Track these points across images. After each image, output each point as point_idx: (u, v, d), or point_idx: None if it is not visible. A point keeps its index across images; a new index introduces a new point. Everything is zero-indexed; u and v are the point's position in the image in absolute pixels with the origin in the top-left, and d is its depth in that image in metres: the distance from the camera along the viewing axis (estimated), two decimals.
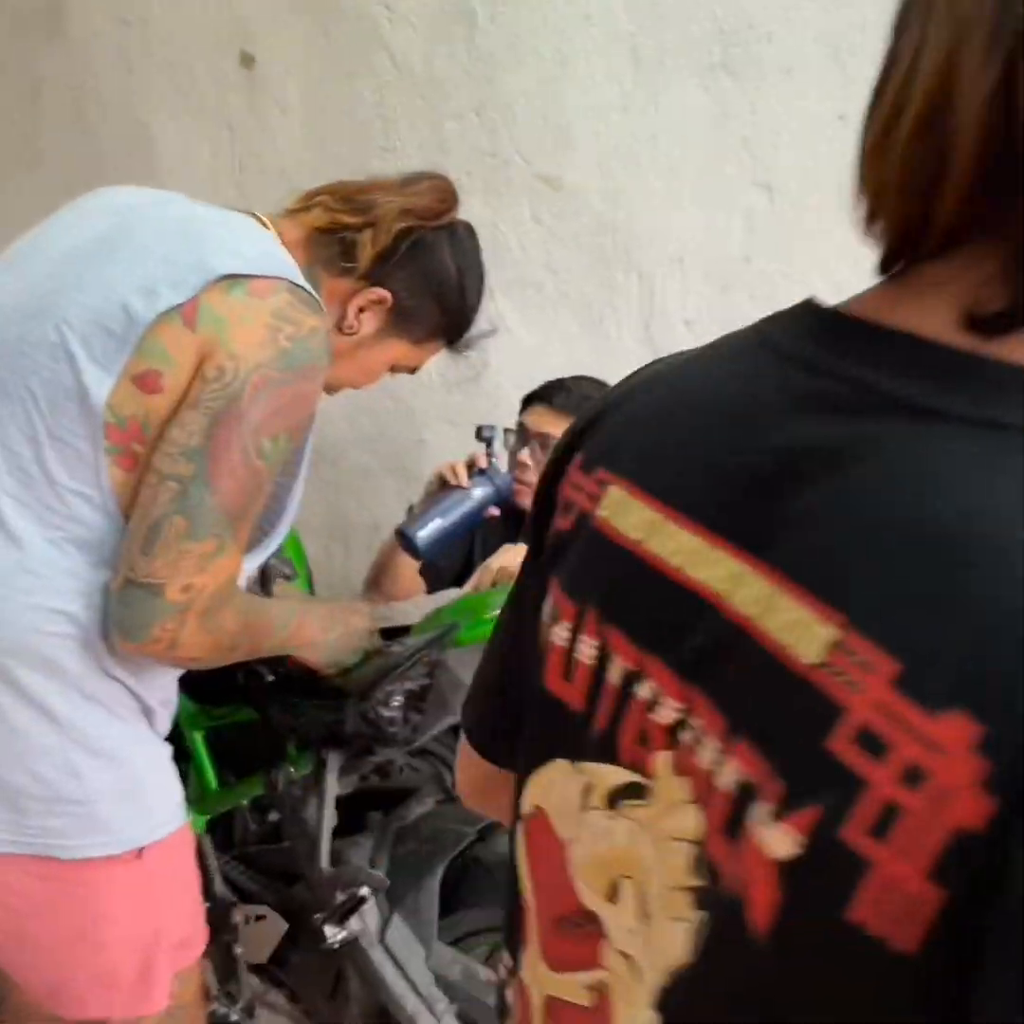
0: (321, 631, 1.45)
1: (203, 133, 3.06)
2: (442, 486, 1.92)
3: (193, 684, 1.74)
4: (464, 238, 1.44)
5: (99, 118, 3.25)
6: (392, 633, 1.67)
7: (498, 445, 1.89)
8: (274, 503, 1.24)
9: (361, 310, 1.35)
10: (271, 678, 1.66)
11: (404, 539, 1.74)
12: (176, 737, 1.75)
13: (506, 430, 2.16)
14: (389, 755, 1.53)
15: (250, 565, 1.26)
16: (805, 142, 2.19)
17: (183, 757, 1.78)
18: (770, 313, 0.66)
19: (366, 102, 2.76)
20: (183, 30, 3.00)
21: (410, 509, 2.09)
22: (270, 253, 1.22)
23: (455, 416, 2.87)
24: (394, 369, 1.47)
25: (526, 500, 2.11)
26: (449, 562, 2.21)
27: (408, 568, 2.12)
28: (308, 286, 1.22)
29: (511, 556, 1.65)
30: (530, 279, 2.64)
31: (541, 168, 2.55)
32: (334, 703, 1.48)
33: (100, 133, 3.26)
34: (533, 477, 2.09)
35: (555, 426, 2.09)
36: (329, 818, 1.55)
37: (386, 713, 1.43)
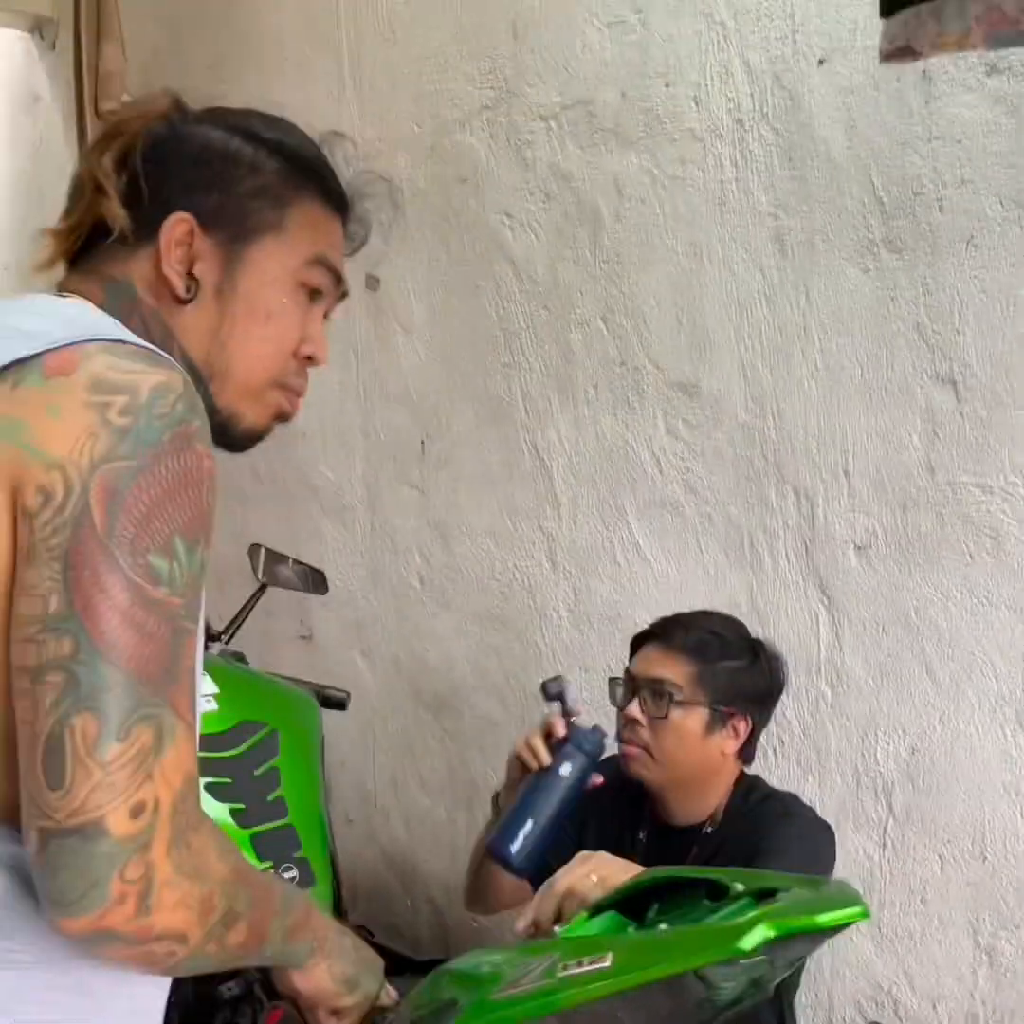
0: (338, 931, 1.00)
1: (331, 358, 2.91)
2: (523, 772, 1.53)
3: None
4: (189, 111, 0.99)
5: None
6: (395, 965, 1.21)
7: (572, 699, 1.50)
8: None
9: (190, 263, 0.92)
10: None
11: (496, 858, 1.47)
12: None
13: (612, 681, 1.72)
14: None
15: None
16: (995, 323, 1.75)
17: None
18: None
19: (489, 316, 2.53)
20: None
21: (494, 801, 1.67)
22: (70, 318, 0.85)
23: (588, 659, 2.44)
24: (310, 288, 0.97)
25: (639, 767, 1.63)
26: (559, 858, 1.71)
27: (509, 879, 1.65)
28: (131, 336, 0.83)
29: (584, 869, 1.17)
30: (667, 500, 2.24)
31: (676, 375, 2.20)
32: None
33: None
34: (645, 735, 1.61)
35: (671, 670, 1.64)
36: None
37: None
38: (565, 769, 1.47)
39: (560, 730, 1.47)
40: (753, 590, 2.13)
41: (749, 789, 1.69)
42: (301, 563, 1.87)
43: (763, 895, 0.86)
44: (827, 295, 1.97)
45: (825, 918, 0.78)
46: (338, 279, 1.01)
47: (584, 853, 1.19)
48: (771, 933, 0.77)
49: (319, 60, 2.84)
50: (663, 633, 1.68)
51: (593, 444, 2.37)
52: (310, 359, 1.01)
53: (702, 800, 1.66)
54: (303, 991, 0.99)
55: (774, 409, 2.06)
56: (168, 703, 0.75)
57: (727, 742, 1.66)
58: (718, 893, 0.93)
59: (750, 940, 0.76)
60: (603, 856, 1.17)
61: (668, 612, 2.29)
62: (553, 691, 1.51)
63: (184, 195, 0.93)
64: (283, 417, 1.02)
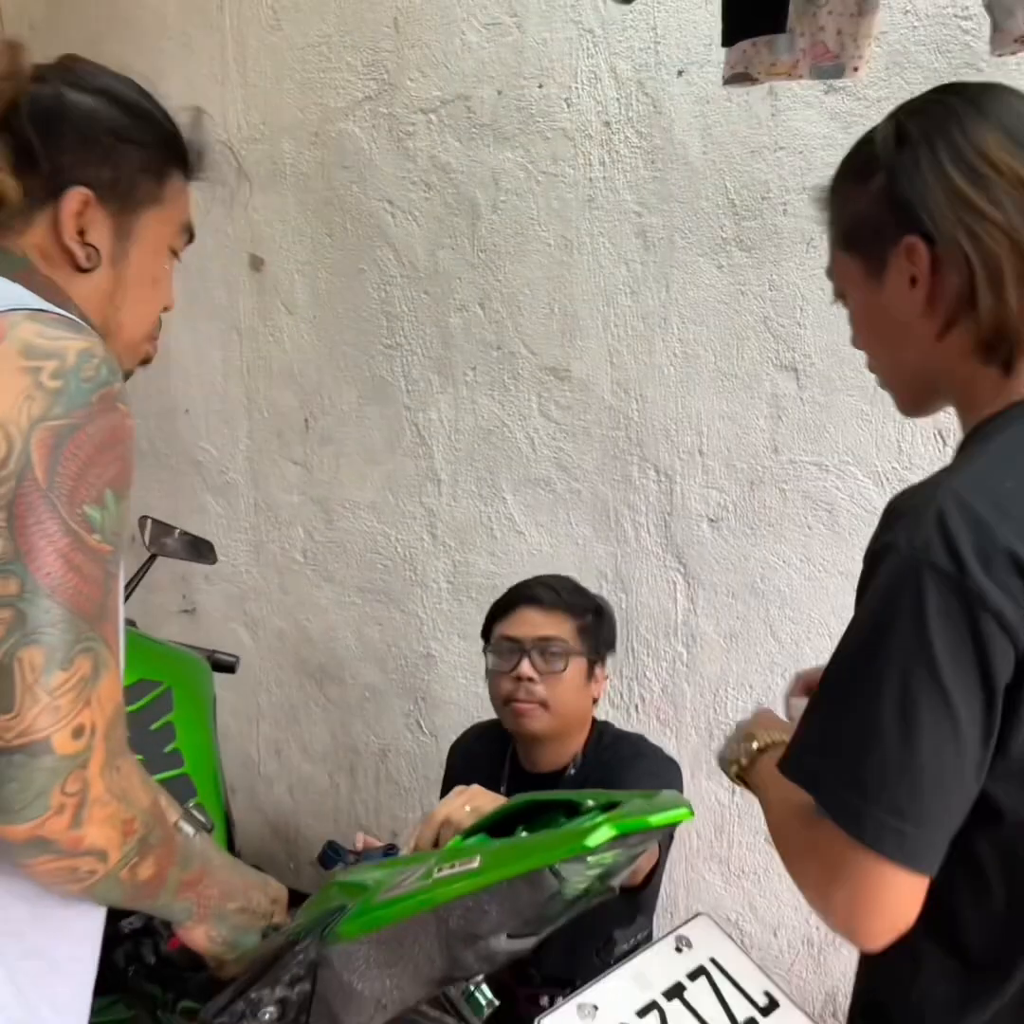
0: (221, 896, 1.11)
1: (214, 337, 2.97)
2: None
3: None
4: (67, 69, 1.05)
5: None
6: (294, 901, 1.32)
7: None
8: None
9: (80, 233, 1.00)
10: (153, 960, 1.31)
11: None
12: None
13: (492, 646, 1.84)
14: None
15: None
16: (831, 318, 1.94)
17: None
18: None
19: (371, 299, 2.63)
20: (199, 236, 2.96)
21: None
22: None
23: (466, 628, 2.57)
24: (174, 252, 1.10)
25: (531, 722, 1.77)
26: None
27: None
28: (48, 305, 0.93)
29: (460, 800, 1.30)
30: (539, 477, 2.39)
31: (548, 359, 2.35)
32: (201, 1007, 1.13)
33: None
34: (540, 690, 1.75)
35: (557, 627, 1.78)
36: None
37: None
38: None
39: None
40: (617, 560, 2.30)
41: (601, 733, 1.84)
42: (188, 534, 1.94)
43: (609, 807, 1.01)
44: (685, 288, 2.14)
45: (657, 818, 0.93)
46: (191, 238, 1.12)
47: (459, 787, 1.32)
48: (613, 832, 0.91)
49: (202, 41, 2.87)
50: (537, 597, 1.81)
51: (471, 424, 2.50)
52: (165, 308, 1.11)
53: (570, 745, 1.81)
54: (185, 943, 1.10)
55: (637, 393, 2.22)
56: (101, 638, 0.85)
57: (596, 688, 1.82)
58: (573, 812, 1.07)
59: (595, 838, 0.90)
60: (476, 789, 1.30)
61: None
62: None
63: (79, 168, 0.99)
64: (148, 361, 1.14)
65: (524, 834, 1.04)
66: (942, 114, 0.93)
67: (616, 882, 1.08)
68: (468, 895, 0.94)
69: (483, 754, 1.86)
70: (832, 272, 1.02)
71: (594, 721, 1.85)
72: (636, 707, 2.32)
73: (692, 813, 0.96)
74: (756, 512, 2.11)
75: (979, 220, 0.87)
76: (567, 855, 0.92)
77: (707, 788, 2.25)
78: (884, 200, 0.92)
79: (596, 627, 1.83)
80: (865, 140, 0.99)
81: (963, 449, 0.93)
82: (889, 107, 1.90)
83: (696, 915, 1.11)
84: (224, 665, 1.83)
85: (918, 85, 1.83)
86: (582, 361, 2.29)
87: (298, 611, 2.91)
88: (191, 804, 1.42)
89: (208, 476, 3.06)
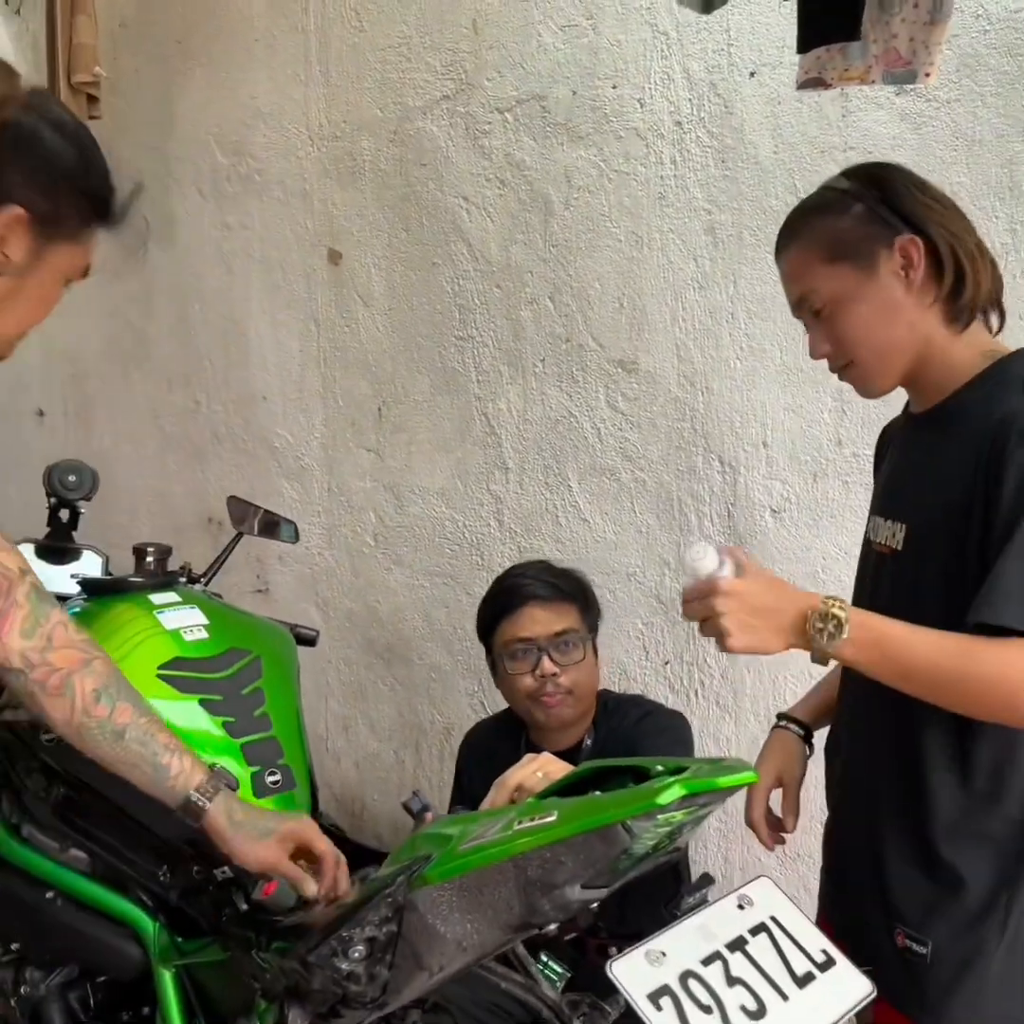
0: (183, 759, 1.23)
1: (292, 327, 3.08)
2: None
3: (168, 909, 1.51)
4: (50, 106, 1.21)
5: (200, 318, 3.33)
6: (363, 859, 1.42)
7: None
8: None
9: (2, 240, 1.14)
10: (245, 907, 1.41)
11: None
12: (144, 979, 1.51)
13: (504, 653, 1.88)
14: (359, 1019, 1.24)
15: None
16: None
17: (149, 999, 1.53)
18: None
19: (445, 292, 2.72)
20: (277, 230, 3.07)
21: None
22: None
23: None
24: (68, 281, 1.25)
25: (563, 710, 1.85)
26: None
27: None
28: None
29: (533, 767, 1.38)
30: (605, 466, 2.46)
31: (616, 352, 2.41)
32: (296, 949, 1.22)
33: (200, 331, 3.34)
34: (565, 681, 1.82)
35: (566, 619, 1.87)
36: None
37: (345, 966, 1.16)
38: None
39: None
40: (681, 549, 2.36)
41: (605, 702, 1.92)
42: (271, 512, 2.04)
43: (678, 772, 1.09)
44: (752, 284, 2.19)
45: (724, 780, 1.00)
46: (86, 275, 1.29)
47: (530, 754, 1.40)
48: (683, 791, 0.98)
49: (286, 40, 2.98)
50: (538, 593, 1.86)
51: (540, 414, 2.58)
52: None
53: (586, 720, 1.88)
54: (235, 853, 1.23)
55: (703, 386, 2.28)
56: None
57: (598, 662, 1.90)
58: (642, 778, 1.15)
59: (666, 796, 0.98)
60: (547, 756, 1.38)
61: (605, 569, 2.52)
62: (416, 808, 1.39)
63: (25, 191, 1.13)
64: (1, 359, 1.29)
65: (597, 794, 1.12)
66: (888, 165, 1.34)
67: (683, 841, 1.15)
68: (546, 846, 1.02)
69: (498, 749, 1.92)
70: (810, 294, 1.31)
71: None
72: (696, 692, 2.38)
73: (758, 775, 1.03)
74: (818, 503, 2.16)
75: (947, 219, 1.25)
76: (639, 812, 0.99)
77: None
78: (866, 218, 1.26)
79: (589, 604, 1.91)
80: (823, 189, 1.36)
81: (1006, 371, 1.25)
82: (960, 109, 1.95)
83: (758, 877, 1.18)
84: (305, 638, 1.93)
85: (988, 87, 1.87)
86: (649, 354, 2.36)
87: (368, 593, 3.01)
88: (279, 763, 1.53)
89: (283, 461, 3.18)
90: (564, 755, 1.87)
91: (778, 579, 1.21)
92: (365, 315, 2.90)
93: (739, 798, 2.34)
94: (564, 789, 1.23)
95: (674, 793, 0.98)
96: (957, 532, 1.23)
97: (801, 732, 1.57)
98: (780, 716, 1.61)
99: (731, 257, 2.21)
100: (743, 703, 2.32)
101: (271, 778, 1.48)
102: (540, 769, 1.36)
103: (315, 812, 1.56)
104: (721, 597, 1.14)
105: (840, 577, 2.16)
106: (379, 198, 2.81)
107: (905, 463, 1.41)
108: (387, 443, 2.90)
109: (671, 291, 2.31)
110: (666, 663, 2.42)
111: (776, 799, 1.54)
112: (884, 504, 1.43)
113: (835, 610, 1.13)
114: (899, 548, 1.34)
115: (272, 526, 2.00)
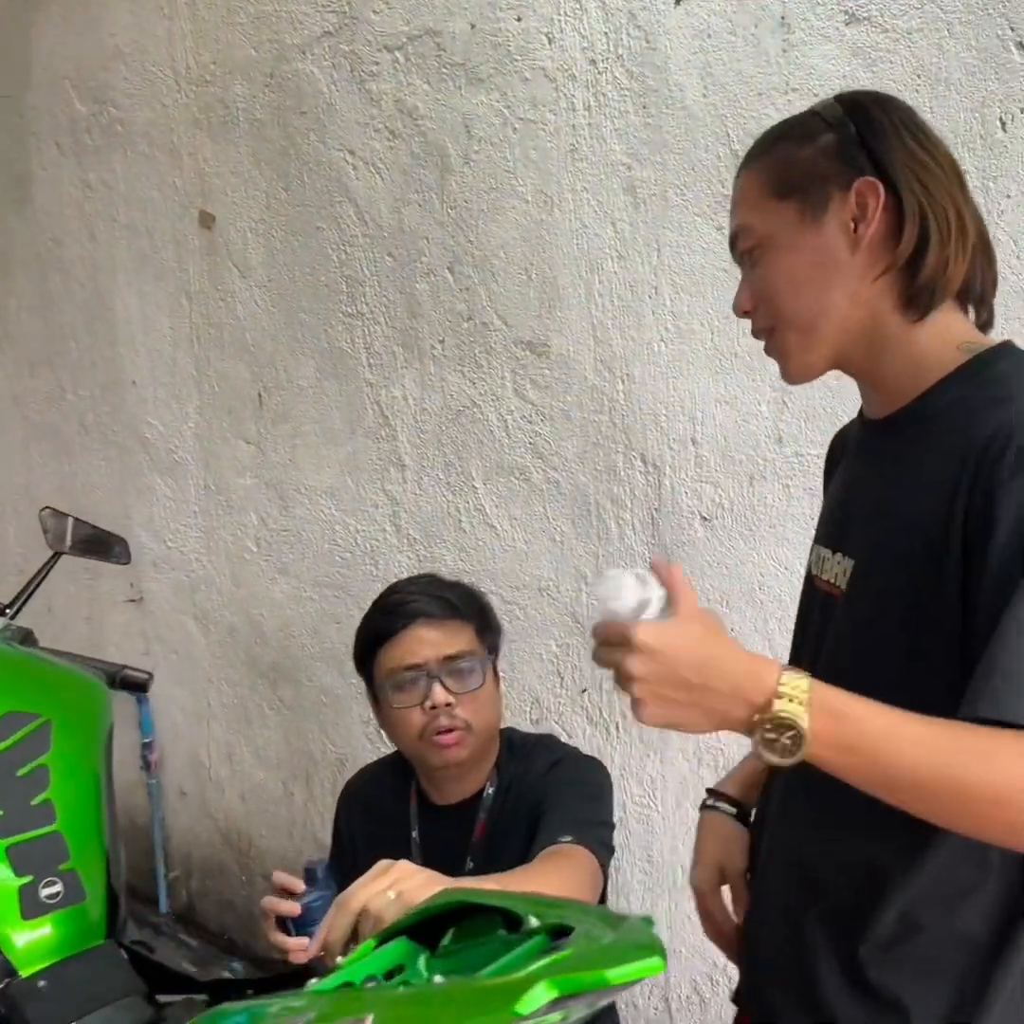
0: None
1: (162, 302, 2.70)
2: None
3: None
4: None
5: (61, 291, 2.93)
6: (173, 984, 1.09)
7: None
8: None
9: None
10: None
11: None
12: None
13: (390, 683, 1.52)
14: None
15: None
16: None
17: None
18: None
19: (330, 261, 2.36)
20: (143, 189, 2.69)
21: None
22: None
23: None
24: None
25: (459, 751, 1.50)
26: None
27: None
28: None
29: (382, 883, 1.04)
30: (513, 465, 2.13)
31: (524, 332, 2.08)
32: None
33: (62, 307, 2.94)
34: (462, 713, 1.47)
35: (460, 639, 1.50)
36: None
37: None
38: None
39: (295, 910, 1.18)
40: (599, 560, 2.04)
41: (510, 741, 1.59)
42: (89, 525, 1.67)
43: (557, 935, 0.76)
44: (679, 252, 1.87)
45: (615, 973, 0.68)
46: None
47: (384, 862, 1.06)
48: (553, 993, 0.66)
49: None
50: (425, 611, 1.51)
51: (439, 403, 2.24)
52: None
53: (486, 764, 1.55)
54: None
55: (623, 372, 1.96)
56: None
57: (501, 691, 1.57)
58: (514, 923, 0.83)
59: (528, 1003, 0.65)
60: (404, 867, 1.05)
61: (515, 582, 2.19)
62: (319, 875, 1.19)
63: None
64: None
65: (438, 978, 0.79)
66: (887, 98, 1.03)
67: None
68: None
69: (383, 797, 1.61)
70: (743, 230, 1.04)
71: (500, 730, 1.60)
72: (618, 725, 2.07)
73: (664, 964, 0.71)
74: (755, 510, 1.85)
75: (930, 178, 0.97)
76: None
77: (694, 817, 2.00)
78: (832, 153, 0.99)
79: (487, 622, 1.57)
80: (808, 114, 1.04)
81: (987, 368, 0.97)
82: (923, 41, 1.63)
83: None
84: (134, 683, 1.57)
85: (956, 14, 1.56)
86: (562, 335, 2.02)
87: (251, 605, 2.66)
88: (61, 869, 1.18)
89: (155, 454, 2.80)
90: (462, 807, 1.53)
91: (715, 634, 0.86)
92: (242, 287, 2.53)
93: (674, 839, 2.05)
94: (422, 922, 0.91)
95: (539, 997, 0.66)
96: (923, 576, 0.94)
97: (734, 811, 1.26)
98: (709, 792, 1.30)
99: (654, 221, 1.88)
100: (670, 739, 2.01)
101: (48, 891, 1.14)
102: (394, 886, 1.02)
103: (116, 928, 1.21)
104: (635, 656, 0.83)
105: (779, 595, 1.86)
106: (255, 152, 2.44)
107: (855, 482, 1.11)
108: (268, 435, 2.54)
109: (586, 261, 1.97)
110: (584, 691, 2.11)
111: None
112: (830, 532, 1.12)
113: (793, 714, 0.81)
114: (845, 590, 1.05)
115: (97, 545, 1.64)
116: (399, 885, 1.03)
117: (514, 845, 1.46)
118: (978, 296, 1.02)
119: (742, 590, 1.89)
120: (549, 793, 1.49)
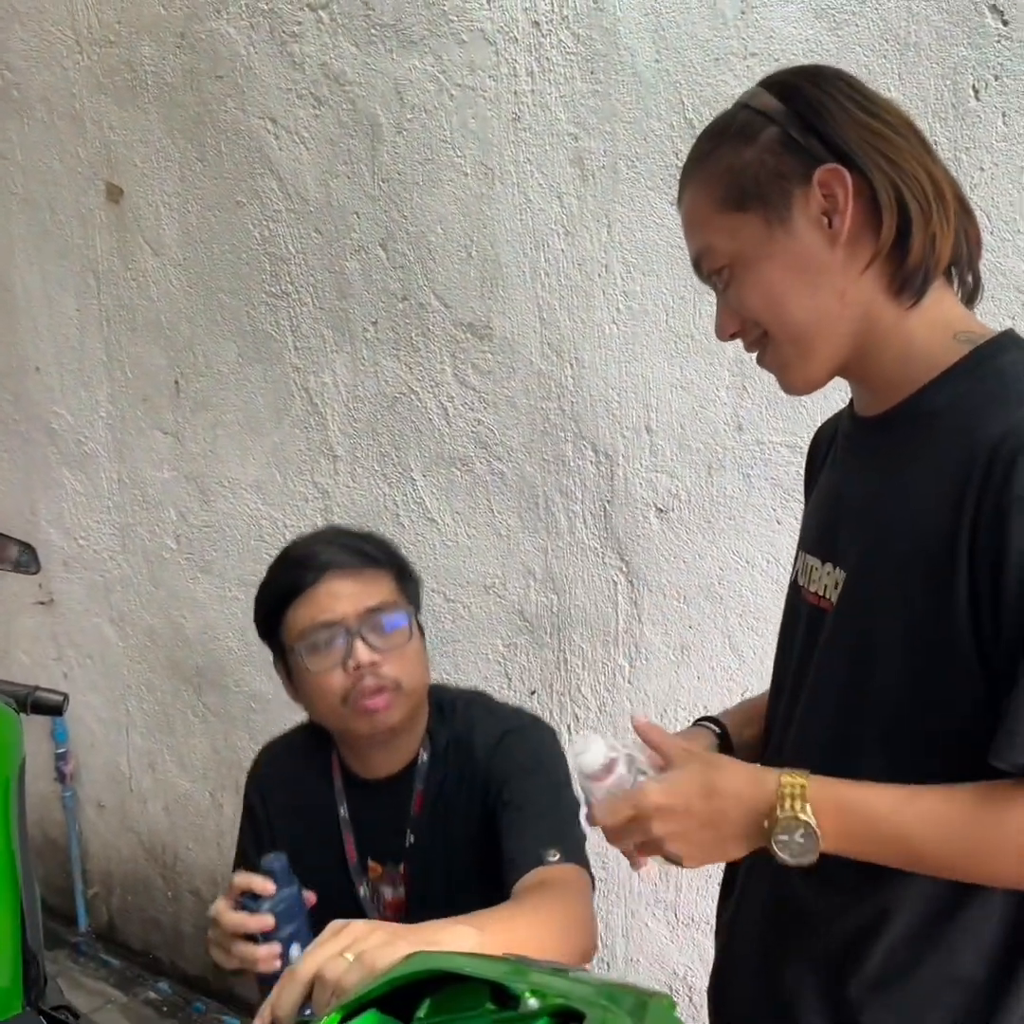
0: None
1: (67, 282, 2.50)
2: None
3: None
4: None
5: None
6: None
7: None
8: None
9: None
10: None
11: None
12: None
13: (301, 645, 1.38)
14: None
15: None
16: None
17: None
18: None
19: (252, 237, 2.19)
20: (43, 159, 2.48)
21: None
22: None
23: None
24: None
25: (391, 713, 1.33)
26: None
27: None
28: None
29: (337, 945, 0.91)
30: (455, 455, 2.01)
31: (465, 313, 1.95)
32: None
33: None
34: (389, 671, 1.31)
35: (380, 590, 1.34)
36: None
37: None
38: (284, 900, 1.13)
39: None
40: (548, 556, 1.93)
41: (439, 703, 1.44)
42: (3, 535, 1.51)
43: (563, 1016, 0.65)
44: (630, 228, 1.76)
45: None
46: None
47: (336, 923, 0.93)
48: None
49: None
50: (337, 562, 1.34)
51: (373, 389, 2.10)
52: None
53: (418, 730, 1.41)
54: None
55: (572, 356, 1.85)
56: None
57: (425, 647, 1.43)
58: (503, 997, 0.71)
59: None
60: (359, 926, 0.91)
61: (458, 579, 2.07)
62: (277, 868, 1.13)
63: None
64: None
65: None
66: (816, 70, 0.95)
67: None
68: None
69: (299, 776, 1.43)
70: (706, 251, 0.96)
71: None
72: (569, 727, 1.97)
73: None
74: (714, 501, 1.76)
75: (892, 148, 0.89)
76: None
77: None
78: (780, 147, 0.91)
79: (405, 571, 1.42)
80: (736, 108, 0.95)
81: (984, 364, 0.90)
82: (891, 3, 1.55)
83: None
84: (48, 706, 1.41)
85: None
86: (506, 316, 1.90)
87: (171, 606, 2.49)
88: None
89: (64, 446, 2.61)
90: (395, 780, 1.37)
91: (711, 765, 0.93)
92: (155, 266, 2.36)
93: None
94: (388, 994, 0.79)
95: None
96: (924, 596, 0.88)
97: (717, 730, 1.18)
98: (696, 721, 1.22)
99: (604, 194, 1.77)
100: (625, 740, 1.92)
101: None
102: (351, 947, 0.90)
103: (32, 996, 1.06)
104: (653, 821, 0.91)
105: (740, 590, 1.77)
106: (166, 119, 2.26)
107: (845, 486, 1.03)
108: (187, 424, 2.38)
109: (531, 237, 1.85)
110: (533, 693, 2.00)
111: None
112: (818, 539, 1.04)
113: (798, 812, 0.85)
114: (835, 603, 0.98)
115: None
116: (357, 946, 0.90)
117: (461, 821, 1.33)
118: (966, 260, 0.95)
119: (700, 585, 1.80)
120: (509, 780, 1.33)
